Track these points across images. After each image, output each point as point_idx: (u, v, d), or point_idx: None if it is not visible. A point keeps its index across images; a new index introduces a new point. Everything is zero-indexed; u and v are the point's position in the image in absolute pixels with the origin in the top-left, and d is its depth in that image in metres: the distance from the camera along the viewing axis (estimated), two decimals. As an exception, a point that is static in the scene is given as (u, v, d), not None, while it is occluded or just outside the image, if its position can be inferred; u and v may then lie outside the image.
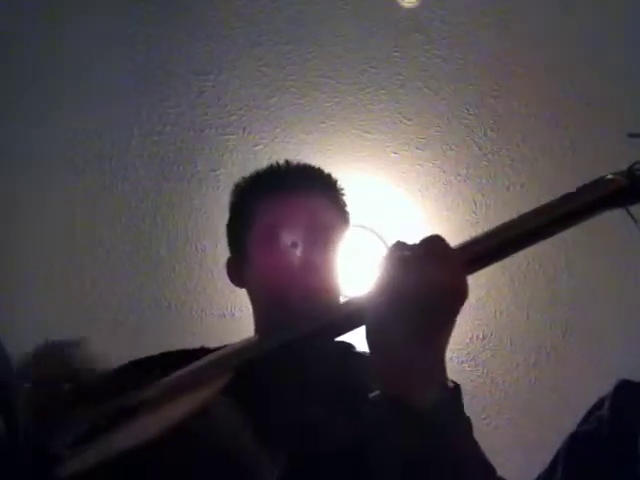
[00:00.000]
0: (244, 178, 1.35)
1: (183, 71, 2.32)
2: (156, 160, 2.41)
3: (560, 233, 0.91)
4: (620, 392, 0.98)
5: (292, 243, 1.23)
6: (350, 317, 0.90)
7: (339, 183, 1.34)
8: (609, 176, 0.88)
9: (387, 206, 2.45)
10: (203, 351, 1.13)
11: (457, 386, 0.84)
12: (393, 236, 2.44)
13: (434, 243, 0.85)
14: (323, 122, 2.37)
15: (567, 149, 2.37)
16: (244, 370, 0.95)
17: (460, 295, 0.84)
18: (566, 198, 0.90)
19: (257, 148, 2.38)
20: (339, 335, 1.07)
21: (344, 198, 1.35)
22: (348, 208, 1.36)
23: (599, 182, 0.89)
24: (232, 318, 2.51)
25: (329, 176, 1.34)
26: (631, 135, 0.91)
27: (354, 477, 0.85)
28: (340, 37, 2.29)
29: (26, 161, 2.40)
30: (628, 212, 0.87)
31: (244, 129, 2.38)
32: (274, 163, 1.33)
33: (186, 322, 2.53)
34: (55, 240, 2.47)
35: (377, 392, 0.84)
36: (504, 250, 0.89)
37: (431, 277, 0.81)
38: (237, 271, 1.31)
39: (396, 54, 2.30)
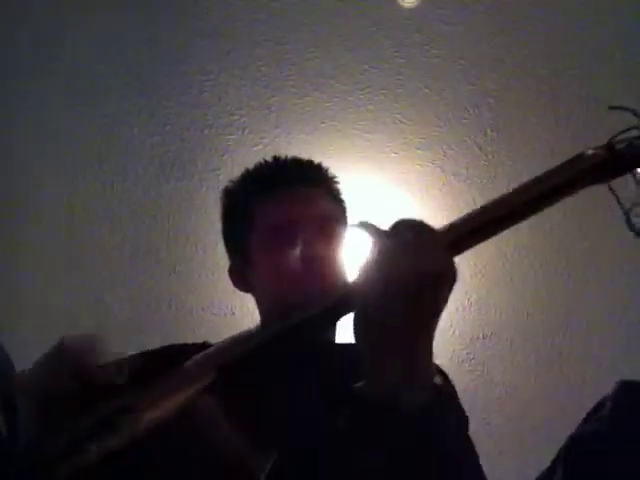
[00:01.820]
0: (234, 180, 1.34)
1: (183, 71, 2.32)
2: (156, 160, 2.41)
3: (545, 210, 0.90)
4: (621, 393, 0.98)
5: (297, 240, 1.21)
6: (336, 304, 0.89)
7: (331, 171, 1.32)
8: (589, 151, 0.88)
9: (387, 206, 2.45)
10: (206, 346, 1.13)
11: (445, 382, 0.82)
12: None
13: (418, 228, 0.82)
14: (323, 122, 2.37)
15: (567, 149, 2.36)
16: (230, 367, 0.95)
17: (450, 279, 0.81)
18: (546, 175, 0.90)
19: (257, 148, 2.38)
20: (327, 324, 1.06)
21: (338, 186, 1.32)
22: (342, 195, 1.33)
23: (579, 157, 0.89)
24: (232, 318, 2.51)
25: (321, 166, 1.32)
26: (612, 107, 0.90)
27: (347, 473, 0.85)
28: (340, 37, 2.28)
29: (26, 161, 2.40)
30: (610, 188, 0.87)
31: (244, 129, 2.38)
32: (263, 161, 1.31)
33: (186, 322, 2.53)
34: (55, 240, 2.47)
35: (359, 386, 0.82)
36: (489, 229, 0.88)
37: (419, 263, 0.79)
38: (242, 276, 1.29)
39: (396, 54, 2.30)
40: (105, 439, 0.87)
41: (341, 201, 1.32)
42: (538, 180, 0.91)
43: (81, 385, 0.90)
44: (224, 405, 0.94)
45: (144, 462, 0.86)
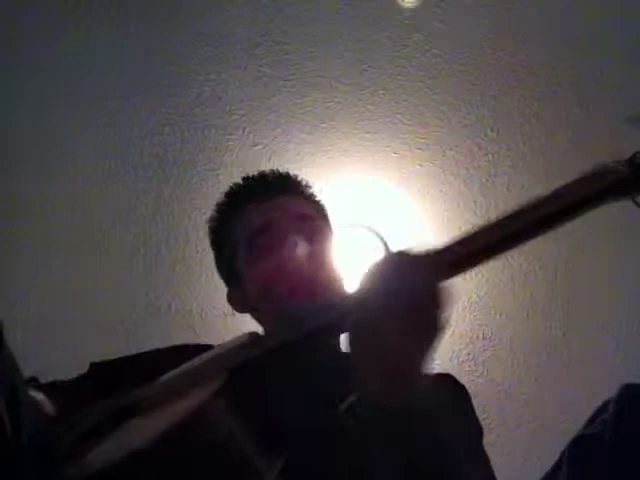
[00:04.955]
0: (213, 212, 1.35)
1: (183, 71, 2.32)
2: (156, 160, 2.41)
3: (560, 227, 0.88)
4: (624, 396, 0.98)
5: (277, 244, 1.21)
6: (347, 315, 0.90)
7: (303, 179, 1.33)
8: (609, 165, 0.85)
9: (387, 206, 2.45)
10: (210, 348, 1.13)
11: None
12: (393, 236, 2.44)
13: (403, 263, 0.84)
14: (323, 122, 2.37)
15: (567, 149, 2.37)
16: (240, 370, 0.95)
17: (444, 307, 0.83)
18: (563, 191, 0.86)
19: (257, 148, 2.38)
20: (338, 333, 1.07)
21: (312, 191, 1.33)
22: (320, 199, 1.34)
23: (598, 173, 0.85)
24: (232, 318, 2.51)
25: (287, 174, 1.33)
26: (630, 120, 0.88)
27: (353, 476, 0.85)
28: (340, 37, 2.29)
29: (26, 161, 2.40)
30: (635, 203, 0.84)
31: (244, 129, 2.38)
32: (232, 184, 1.33)
33: (186, 322, 2.53)
34: (55, 240, 2.47)
35: (355, 396, 0.84)
36: (500, 246, 0.87)
37: (416, 292, 0.81)
38: (239, 297, 1.30)
39: (396, 54, 2.30)
40: (112, 438, 0.87)
41: (316, 202, 1.33)
42: (553, 196, 0.87)
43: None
44: (233, 407, 0.94)
45: (151, 462, 0.86)
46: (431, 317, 0.83)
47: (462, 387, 1.21)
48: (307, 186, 1.33)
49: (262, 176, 1.32)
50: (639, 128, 0.85)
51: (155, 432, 0.85)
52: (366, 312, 0.82)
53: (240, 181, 1.32)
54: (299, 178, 1.33)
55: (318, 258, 1.20)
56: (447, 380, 1.20)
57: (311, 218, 1.26)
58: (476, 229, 0.86)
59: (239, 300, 1.31)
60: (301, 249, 1.19)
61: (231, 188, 1.33)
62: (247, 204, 1.27)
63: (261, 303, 1.25)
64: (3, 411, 0.81)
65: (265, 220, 1.23)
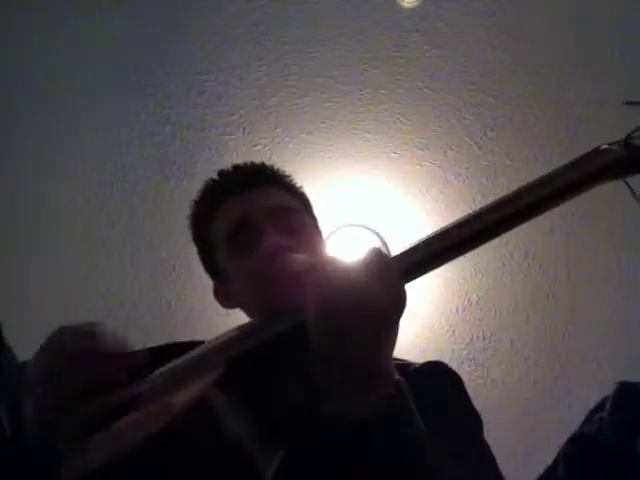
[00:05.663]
0: (190, 209, 1.31)
1: (183, 71, 2.32)
2: (156, 160, 2.41)
3: (556, 207, 0.88)
4: (621, 394, 0.98)
5: (253, 240, 1.16)
6: None
7: (281, 169, 1.28)
8: (604, 146, 0.85)
9: (387, 206, 2.45)
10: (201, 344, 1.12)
11: (397, 392, 0.84)
12: (393, 236, 2.44)
13: (371, 257, 0.87)
14: (323, 122, 2.37)
15: (567, 149, 2.37)
16: (238, 362, 0.95)
17: (398, 307, 0.85)
18: (560, 172, 0.87)
19: (257, 148, 2.38)
20: None
21: (291, 180, 1.27)
22: (300, 188, 1.28)
23: (594, 153, 0.86)
24: (232, 318, 2.51)
25: (263, 165, 1.28)
26: (628, 103, 0.88)
27: (352, 470, 0.85)
28: (340, 37, 2.29)
29: (26, 161, 2.40)
30: (626, 184, 0.84)
31: (244, 129, 2.38)
32: (209, 179, 1.27)
33: (186, 322, 2.53)
34: (55, 240, 2.47)
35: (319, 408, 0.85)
36: (494, 231, 0.88)
37: (366, 292, 0.83)
38: (224, 295, 1.29)
39: (396, 54, 2.30)
40: (110, 434, 0.87)
41: (296, 191, 1.27)
42: (549, 177, 0.88)
43: (83, 374, 0.90)
44: (231, 399, 0.94)
45: (149, 457, 0.86)
46: (394, 318, 0.84)
47: (454, 375, 1.19)
48: (285, 176, 1.27)
49: (237, 169, 1.26)
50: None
51: (153, 426, 0.86)
52: (329, 311, 0.83)
53: (216, 176, 1.27)
54: (276, 168, 1.27)
55: (300, 249, 1.13)
56: (438, 369, 1.18)
57: (289, 209, 1.20)
58: (475, 211, 0.88)
59: (224, 296, 1.29)
60: (281, 246, 1.13)
61: (207, 183, 1.27)
62: (223, 198, 1.22)
63: (246, 301, 1.24)
64: (3, 412, 0.81)
65: (240, 216, 1.18)
